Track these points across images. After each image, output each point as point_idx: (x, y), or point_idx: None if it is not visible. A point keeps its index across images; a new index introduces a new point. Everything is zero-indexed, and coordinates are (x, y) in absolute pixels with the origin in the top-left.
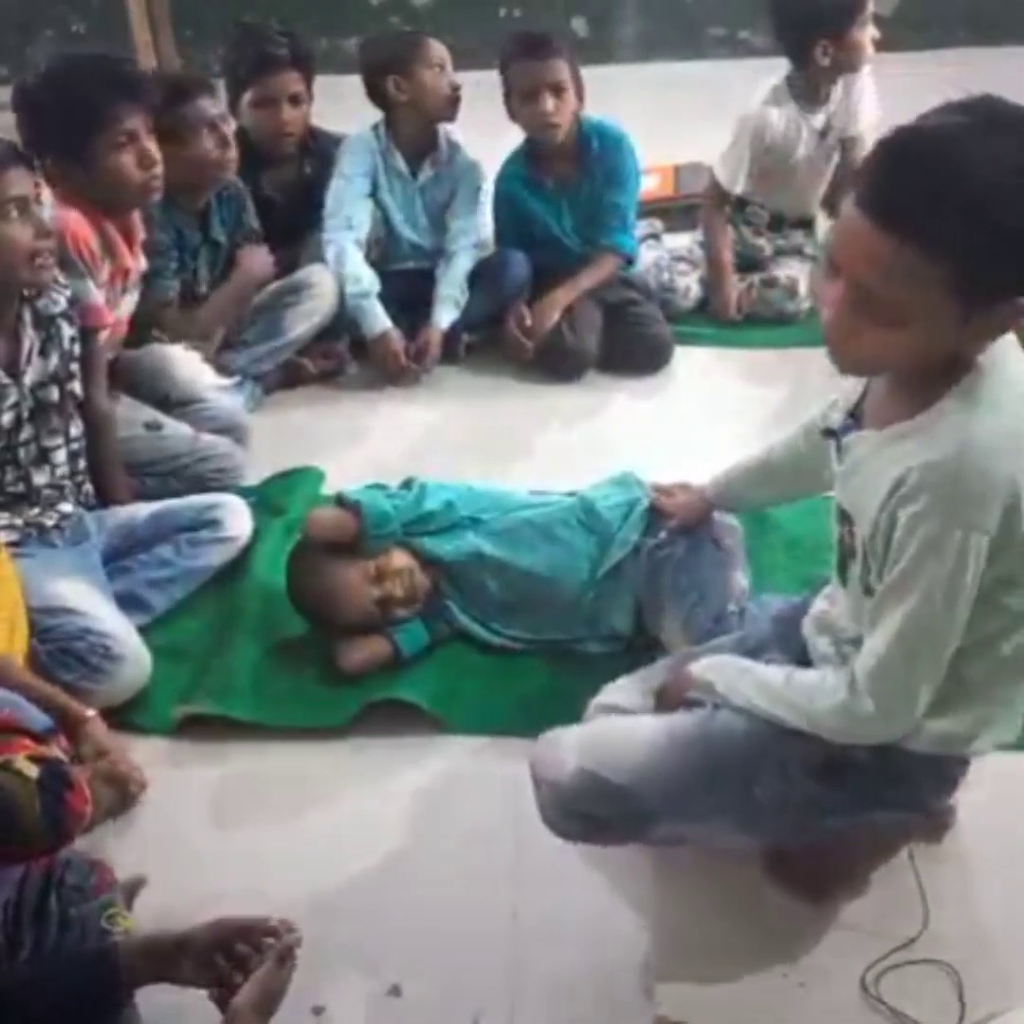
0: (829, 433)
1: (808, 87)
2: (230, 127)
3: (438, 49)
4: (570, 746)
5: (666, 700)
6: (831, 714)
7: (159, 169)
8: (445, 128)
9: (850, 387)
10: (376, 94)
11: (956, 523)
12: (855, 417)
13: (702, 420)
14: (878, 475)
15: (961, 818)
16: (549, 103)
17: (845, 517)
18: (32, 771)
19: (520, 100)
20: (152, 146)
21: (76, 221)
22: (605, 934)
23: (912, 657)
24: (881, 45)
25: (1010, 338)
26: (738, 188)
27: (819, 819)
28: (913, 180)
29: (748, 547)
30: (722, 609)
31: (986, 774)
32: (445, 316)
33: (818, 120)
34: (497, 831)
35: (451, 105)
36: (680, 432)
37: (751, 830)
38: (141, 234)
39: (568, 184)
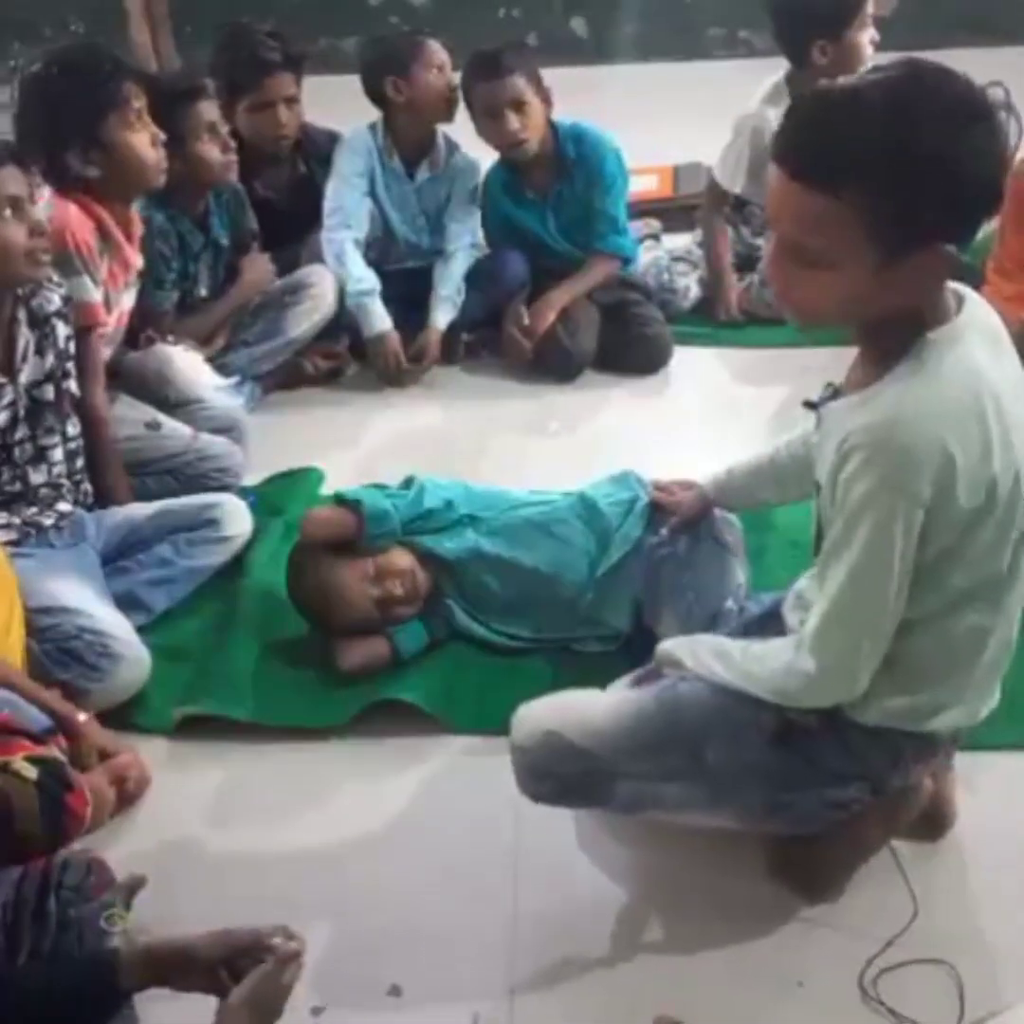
0: (809, 405)
1: (807, 87)
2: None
3: (438, 51)
4: (539, 712)
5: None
6: (777, 675)
7: (163, 150)
8: (443, 128)
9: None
10: (374, 94)
11: (886, 485)
12: (836, 390)
13: (701, 419)
14: (833, 441)
15: (961, 817)
16: (513, 121)
17: (818, 488)
18: (31, 772)
19: (485, 123)
20: (155, 126)
21: (75, 217)
22: (604, 933)
23: (849, 618)
24: (880, 45)
25: (972, 320)
26: (737, 188)
27: (778, 792)
28: (821, 131)
29: (748, 546)
30: (720, 606)
31: (985, 773)
32: (443, 316)
33: None
34: (496, 831)
35: (448, 106)
36: (679, 431)
37: (713, 801)
38: (139, 228)
39: (549, 191)
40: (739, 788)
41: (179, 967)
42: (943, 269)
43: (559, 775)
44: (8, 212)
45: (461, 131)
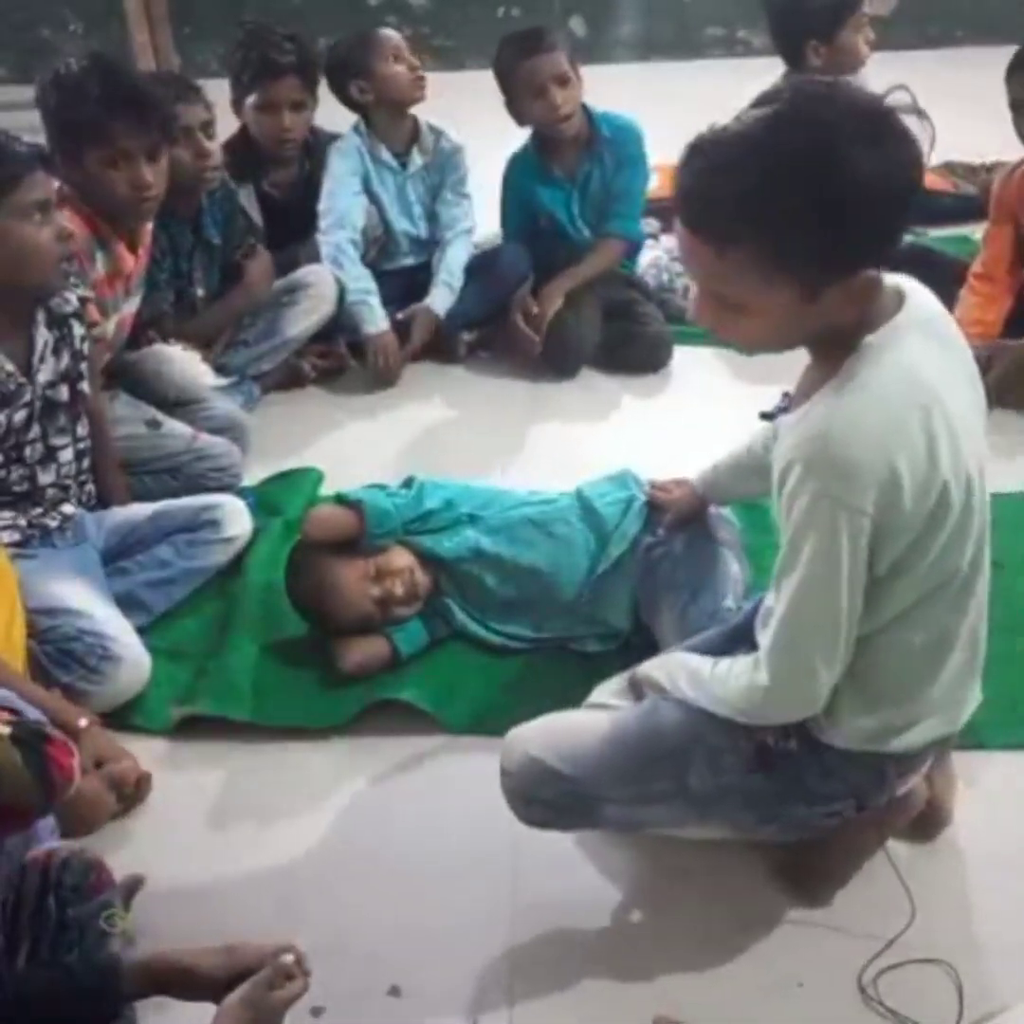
0: (765, 416)
1: None
2: (212, 131)
3: (389, 38)
4: (526, 736)
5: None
6: (739, 695)
7: (152, 192)
8: (425, 119)
9: None
10: (346, 100)
11: (824, 498)
12: (791, 400)
13: (701, 419)
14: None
15: (959, 817)
16: (558, 95)
17: None
18: (3, 729)
19: (530, 98)
20: (147, 170)
21: (69, 220)
22: (603, 934)
23: (801, 633)
24: (880, 45)
25: (913, 316)
26: None
27: (766, 809)
28: (698, 185)
29: (746, 545)
30: (717, 605)
31: (983, 773)
32: (440, 299)
33: None
34: (495, 831)
35: (416, 86)
36: (679, 431)
37: (702, 820)
38: (149, 238)
39: (578, 172)
40: (725, 809)
41: (180, 982)
42: (870, 290)
43: (544, 800)
44: (37, 216)
45: (461, 130)
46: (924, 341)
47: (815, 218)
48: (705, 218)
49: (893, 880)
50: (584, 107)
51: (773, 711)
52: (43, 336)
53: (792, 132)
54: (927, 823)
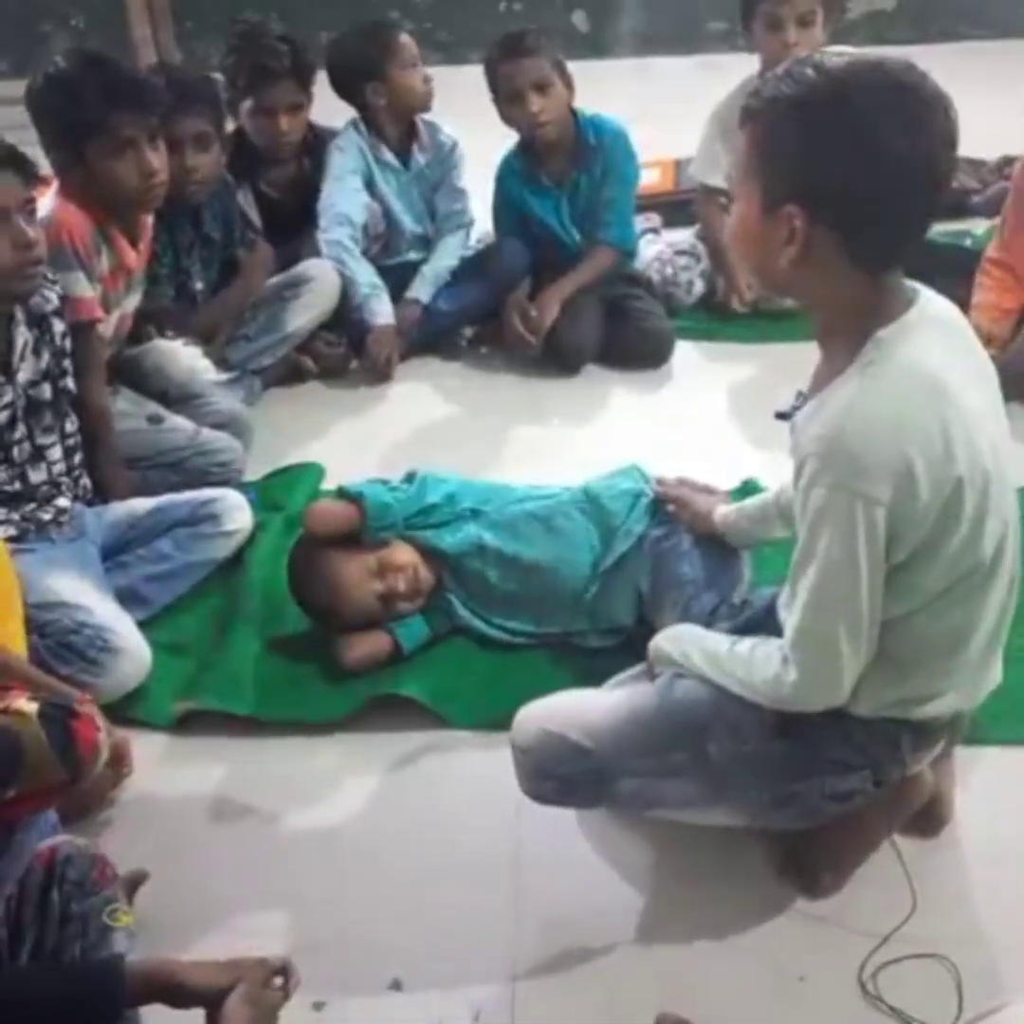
0: (781, 416)
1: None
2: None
3: (408, 45)
4: (539, 713)
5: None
6: (766, 685)
7: (159, 178)
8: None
9: None
10: (352, 97)
11: (841, 490)
12: (805, 398)
13: (703, 414)
14: (796, 449)
15: (959, 813)
16: (535, 103)
17: None
18: (30, 707)
19: (507, 102)
20: (153, 156)
21: (74, 214)
22: (605, 929)
23: (824, 625)
24: (882, 41)
25: (925, 314)
26: (714, 181)
27: (781, 783)
28: (766, 83)
29: None
30: (721, 600)
31: (984, 770)
32: (423, 289)
33: None
34: (497, 826)
35: (429, 97)
36: (681, 426)
37: (716, 796)
38: (149, 232)
39: (566, 179)
40: (742, 781)
41: (173, 993)
42: (798, 236)
43: (561, 775)
44: None
45: (462, 127)
46: (936, 338)
47: (798, 141)
48: (750, 103)
49: (893, 875)
50: (573, 112)
51: (800, 703)
52: (23, 335)
53: (851, 84)
54: (929, 820)
